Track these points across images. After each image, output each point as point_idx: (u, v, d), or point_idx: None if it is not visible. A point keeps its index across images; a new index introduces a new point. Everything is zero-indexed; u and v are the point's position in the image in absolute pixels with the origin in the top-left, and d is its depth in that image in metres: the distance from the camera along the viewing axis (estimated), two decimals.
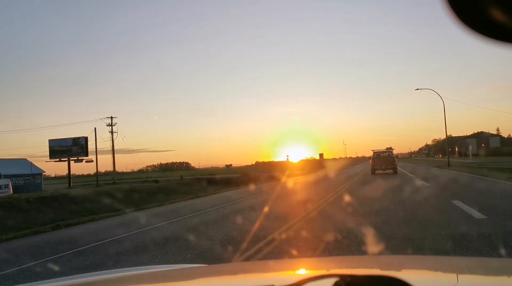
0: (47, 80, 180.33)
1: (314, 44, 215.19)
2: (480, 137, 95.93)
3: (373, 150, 28.49)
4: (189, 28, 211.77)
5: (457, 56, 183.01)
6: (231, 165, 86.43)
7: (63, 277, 1.72)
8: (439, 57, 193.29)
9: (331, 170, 32.85)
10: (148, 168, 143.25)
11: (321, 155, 67.81)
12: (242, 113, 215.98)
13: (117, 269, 1.83)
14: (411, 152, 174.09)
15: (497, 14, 0.71)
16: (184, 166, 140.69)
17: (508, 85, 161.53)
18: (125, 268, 1.86)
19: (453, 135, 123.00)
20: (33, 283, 1.67)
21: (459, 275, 1.44)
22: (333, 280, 0.95)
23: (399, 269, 1.63)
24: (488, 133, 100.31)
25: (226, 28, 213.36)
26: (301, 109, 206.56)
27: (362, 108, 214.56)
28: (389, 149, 30.26)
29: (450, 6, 0.73)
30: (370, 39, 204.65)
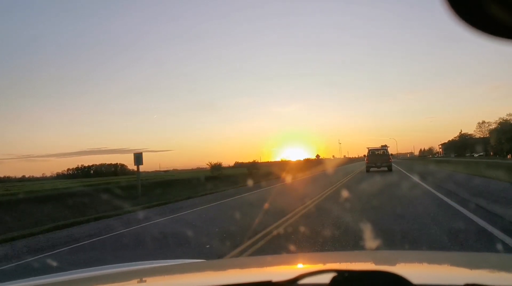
0: (48, 80, 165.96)
1: (313, 45, 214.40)
2: None
3: (368, 148, 28.18)
4: (189, 28, 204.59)
5: (455, 55, 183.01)
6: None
7: (64, 272, 1.71)
8: (436, 56, 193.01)
9: (306, 173, 29.30)
10: (70, 171, 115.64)
11: (318, 156, 60.74)
12: (238, 113, 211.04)
13: (116, 264, 1.83)
14: (423, 150, 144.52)
15: (497, 11, 0.72)
16: (119, 169, 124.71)
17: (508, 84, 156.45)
18: (124, 264, 1.87)
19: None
20: (35, 277, 1.66)
21: (455, 270, 1.47)
22: (330, 275, 0.96)
23: (396, 264, 1.66)
24: None
25: (225, 29, 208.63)
26: (298, 109, 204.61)
27: (359, 108, 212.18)
28: (384, 147, 29.65)
29: (450, 3, 0.74)
30: (369, 39, 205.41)
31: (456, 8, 0.74)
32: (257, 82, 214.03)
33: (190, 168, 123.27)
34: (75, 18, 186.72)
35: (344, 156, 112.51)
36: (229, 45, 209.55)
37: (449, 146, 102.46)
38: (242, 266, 1.93)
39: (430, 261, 1.65)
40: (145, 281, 1.59)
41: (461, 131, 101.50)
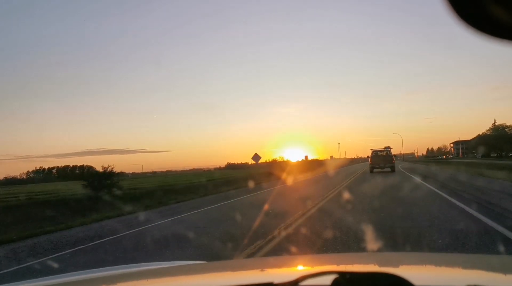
0: (48, 80, 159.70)
1: (313, 45, 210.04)
2: None
3: (371, 149, 29.07)
4: (189, 28, 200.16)
5: (455, 55, 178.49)
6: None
7: (64, 274, 1.71)
8: (437, 57, 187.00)
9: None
10: (30, 174, 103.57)
11: (306, 156, 53.46)
12: (238, 113, 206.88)
13: (115, 266, 1.83)
14: (430, 150, 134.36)
15: (497, 11, 0.72)
16: (85, 172, 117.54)
17: (507, 85, 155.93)
18: (124, 265, 1.86)
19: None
20: (34, 279, 1.64)
21: (457, 271, 1.47)
22: (332, 277, 0.96)
23: (397, 265, 1.66)
24: None
25: (225, 29, 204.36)
26: (297, 109, 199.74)
27: (358, 108, 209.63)
28: (387, 148, 30.44)
29: (450, 3, 0.74)
30: (369, 39, 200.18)
31: (456, 8, 0.74)
32: (257, 82, 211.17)
33: (189, 169, 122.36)
34: (75, 18, 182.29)
35: (331, 156, 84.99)
36: (229, 45, 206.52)
37: (479, 142, 74.86)
38: (243, 267, 1.92)
39: (432, 263, 1.66)
40: (145, 283, 1.59)
41: (494, 121, 76.42)
